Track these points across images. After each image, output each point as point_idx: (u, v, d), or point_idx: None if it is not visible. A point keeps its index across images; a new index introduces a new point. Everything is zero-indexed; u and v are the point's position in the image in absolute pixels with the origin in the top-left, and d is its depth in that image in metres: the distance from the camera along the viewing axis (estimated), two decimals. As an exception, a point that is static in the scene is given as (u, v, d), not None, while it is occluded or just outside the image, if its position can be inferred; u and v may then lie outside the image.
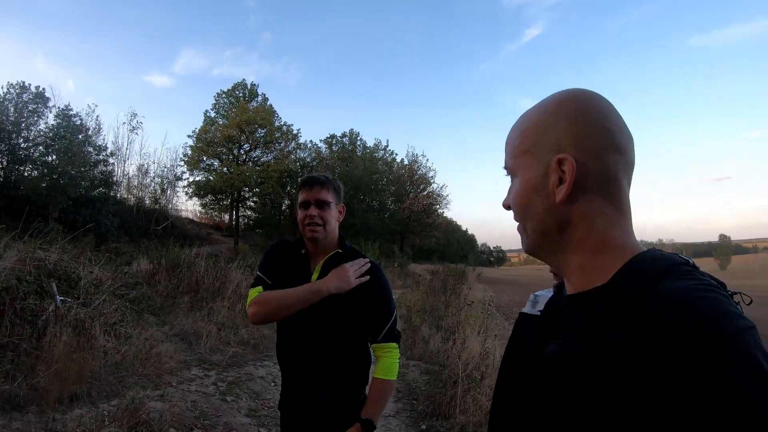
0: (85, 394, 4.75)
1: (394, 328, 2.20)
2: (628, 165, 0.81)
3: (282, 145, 38.57)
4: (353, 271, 2.10)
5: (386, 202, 46.73)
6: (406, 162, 49.12)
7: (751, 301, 0.78)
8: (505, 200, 0.91)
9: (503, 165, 0.92)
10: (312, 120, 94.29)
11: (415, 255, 51.69)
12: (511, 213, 0.91)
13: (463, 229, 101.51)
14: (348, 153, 44.85)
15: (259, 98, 38.83)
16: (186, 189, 35.52)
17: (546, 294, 2.29)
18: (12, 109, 21.94)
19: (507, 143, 0.91)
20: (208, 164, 36.17)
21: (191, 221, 37.68)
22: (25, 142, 21.86)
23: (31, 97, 22.74)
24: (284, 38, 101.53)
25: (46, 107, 23.16)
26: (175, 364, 6.42)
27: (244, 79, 39.33)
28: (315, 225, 2.14)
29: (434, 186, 48.77)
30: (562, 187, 0.79)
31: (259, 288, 2.17)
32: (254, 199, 38.52)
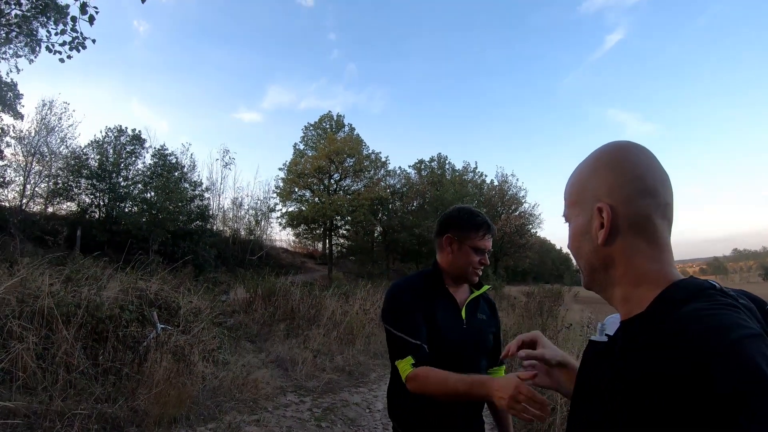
0: (183, 418, 4.80)
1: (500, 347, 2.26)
2: (662, 205, 0.89)
3: (371, 173, 39.05)
4: (524, 399, 1.53)
5: (478, 226, 46.10)
6: (495, 183, 48.36)
7: None
8: (568, 244, 1.03)
9: (562, 214, 1.05)
10: (399, 146, 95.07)
11: (510, 277, 50.48)
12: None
13: (558, 248, 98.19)
14: (437, 177, 44.70)
15: (346, 128, 39.64)
16: (279, 220, 36.71)
17: (614, 319, 2.14)
18: (111, 150, 23.75)
19: (563, 195, 1.03)
20: (299, 195, 37.18)
21: (285, 250, 38.69)
22: (124, 180, 23.52)
23: (128, 139, 24.47)
24: (368, 68, 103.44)
25: (143, 148, 24.88)
26: (272, 390, 6.41)
27: (330, 111, 40.49)
28: (480, 270, 2.17)
29: (526, 205, 47.72)
30: (602, 231, 0.90)
31: (410, 359, 1.92)
32: (346, 227, 39.06)
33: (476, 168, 48.36)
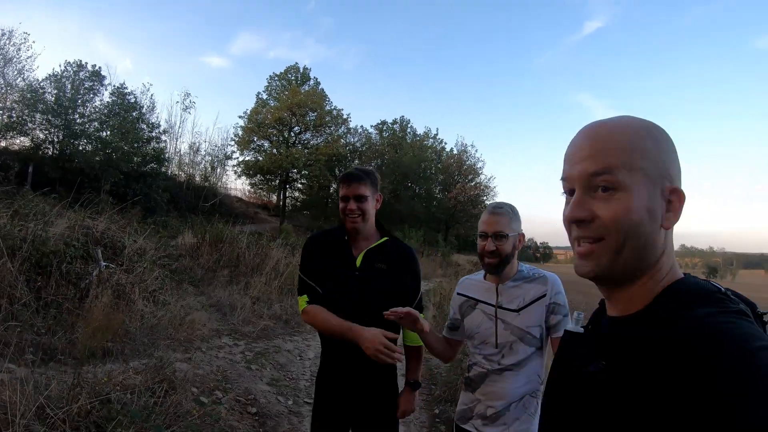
0: (119, 352, 5.09)
1: (421, 300, 2.61)
2: None
3: (332, 128, 38.97)
4: (385, 350, 2.19)
5: (433, 191, 46.65)
6: (455, 151, 48.89)
7: None
8: (578, 212, 0.85)
9: (599, 168, 0.83)
10: (366, 105, 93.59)
11: (461, 245, 51.27)
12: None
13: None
14: (398, 140, 44.89)
15: (311, 82, 39.24)
16: (235, 168, 36.46)
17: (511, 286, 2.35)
18: (69, 86, 22.77)
19: (602, 150, 0.84)
20: (258, 145, 36.95)
21: (239, 200, 38.44)
22: (80, 117, 22.67)
23: (87, 75, 23.52)
24: (343, 23, 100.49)
25: (102, 85, 24.01)
26: (207, 332, 6.74)
27: (296, 63, 39.96)
28: (355, 216, 2.43)
29: (482, 177, 48.32)
30: (672, 215, 0.83)
31: (305, 297, 2.46)
32: (302, 180, 39.07)
33: (437, 135, 48.76)
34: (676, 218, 0.83)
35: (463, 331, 2.39)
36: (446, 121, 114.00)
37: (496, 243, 2.12)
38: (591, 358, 0.84)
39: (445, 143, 49.44)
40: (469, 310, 2.32)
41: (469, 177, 47.71)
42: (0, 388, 3.11)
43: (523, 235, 2.23)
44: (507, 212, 2.16)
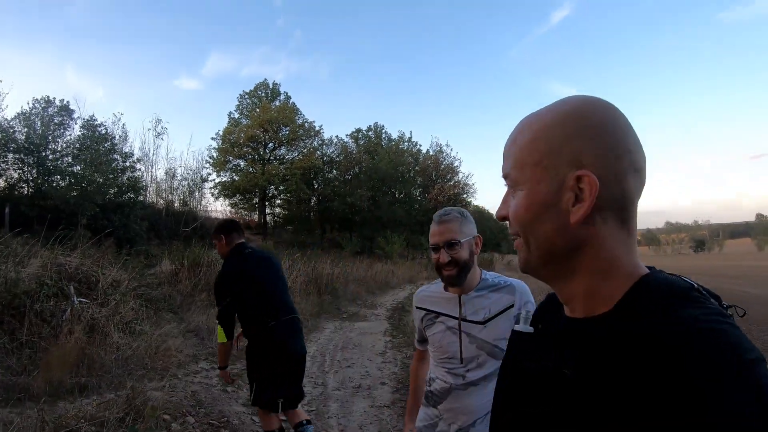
0: (94, 386, 5.25)
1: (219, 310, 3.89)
2: (642, 185, 0.77)
3: (306, 142, 39.07)
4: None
5: (413, 194, 46.75)
6: (431, 152, 49.02)
7: (745, 314, 0.78)
8: (500, 210, 0.85)
9: (502, 173, 0.84)
10: (340, 115, 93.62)
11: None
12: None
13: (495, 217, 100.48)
14: (373, 146, 44.97)
15: (282, 97, 39.39)
16: (212, 190, 36.36)
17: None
18: (39, 123, 22.49)
19: (510, 149, 0.83)
20: (234, 165, 36.99)
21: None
22: (52, 154, 22.36)
23: (56, 110, 23.26)
24: (313, 35, 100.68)
25: (72, 119, 23.70)
26: (184, 358, 6.86)
27: (266, 79, 39.96)
28: None
29: (461, 175, 48.44)
30: (580, 207, 0.73)
31: None
32: (281, 196, 39.07)
33: (411, 138, 48.88)
34: (585, 210, 0.73)
35: None
36: (420, 123, 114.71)
37: (450, 252, 1.98)
38: (551, 356, 0.78)
39: (420, 145, 49.68)
40: (430, 323, 2.17)
41: (448, 176, 47.80)
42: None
43: (479, 238, 2.07)
44: (455, 217, 2.02)
